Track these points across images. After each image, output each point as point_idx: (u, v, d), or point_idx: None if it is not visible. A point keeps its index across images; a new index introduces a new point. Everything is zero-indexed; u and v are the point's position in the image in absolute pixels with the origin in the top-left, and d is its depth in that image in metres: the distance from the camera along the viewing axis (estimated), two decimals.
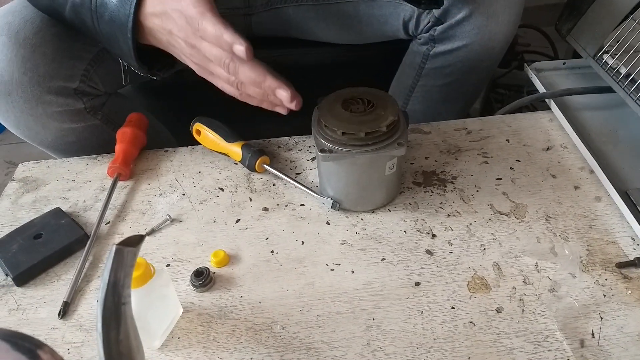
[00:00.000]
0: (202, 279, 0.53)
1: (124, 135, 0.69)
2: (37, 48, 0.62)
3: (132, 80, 0.67)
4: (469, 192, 0.63)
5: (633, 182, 0.62)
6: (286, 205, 0.63)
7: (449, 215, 0.61)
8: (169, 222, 0.62)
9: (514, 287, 0.52)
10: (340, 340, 0.49)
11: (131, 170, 0.68)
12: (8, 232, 0.60)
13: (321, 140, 0.56)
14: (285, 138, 0.74)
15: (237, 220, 0.62)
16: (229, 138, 0.68)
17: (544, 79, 0.81)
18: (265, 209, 0.63)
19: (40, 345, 0.28)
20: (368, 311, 0.51)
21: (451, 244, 0.57)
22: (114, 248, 0.34)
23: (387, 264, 0.56)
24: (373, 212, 0.62)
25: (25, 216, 0.64)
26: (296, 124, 0.70)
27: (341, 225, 0.60)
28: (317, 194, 0.62)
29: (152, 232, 0.61)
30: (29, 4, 0.63)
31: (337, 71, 0.91)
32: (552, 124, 0.74)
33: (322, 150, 0.55)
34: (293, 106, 0.54)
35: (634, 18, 0.67)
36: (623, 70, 0.66)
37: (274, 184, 0.66)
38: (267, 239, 0.59)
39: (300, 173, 0.68)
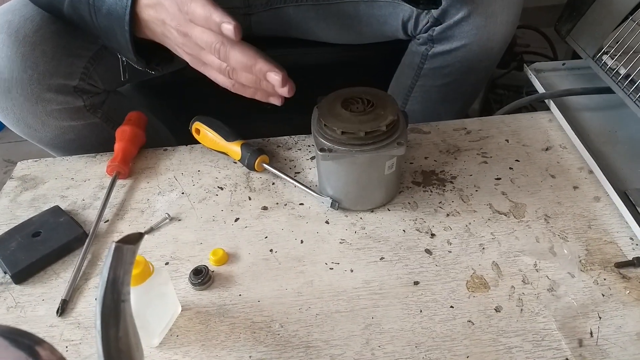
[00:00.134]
0: (201, 277, 0.53)
1: (123, 134, 0.69)
2: (36, 46, 0.62)
3: (131, 76, 0.67)
4: (468, 191, 0.64)
5: (632, 182, 0.62)
6: (285, 204, 0.63)
7: (448, 215, 0.61)
8: (168, 220, 0.62)
9: (512, 287, 0.52)
10: (339, 339, 0.49)
11: (130, 168, 0.68)
12: (7, 230, 0.60)
13: (321, 139, 0.56)
14: (285, 137, 0.74)
15: (236, 219, 0.62)
16: (228, 137, 0.68)
17: (543, 79, 0.81)
18: (265, 208, 0.63)
19: (39, 342, 0.28)
20: (367, 310, 0.51)
21: (450, 244, 0.57)
22: (113, 245, 0.34)
23: (386, 263, 0.56)
24: (372, 212, 0.62)
25: (24, 214, 0.64)
26: (296, 123, 0.70)
27: (340, 224, 0.60)
28: (317, 193, 0.62)
29: (151, 230, 0.61)
30: (28, 2, 0.63)
31: (337, 71, 0.91)
32: (552, 124, 0.74)
33: (321, 150, 0.55)
34: (285, 92, 0.52)
35: (633, 19, 0.67)
36: (622, 71, 0.66)
37: (273, 183, 0.66)
38: (266, 237, 0.59)
39: (299, 172, 0.68)
